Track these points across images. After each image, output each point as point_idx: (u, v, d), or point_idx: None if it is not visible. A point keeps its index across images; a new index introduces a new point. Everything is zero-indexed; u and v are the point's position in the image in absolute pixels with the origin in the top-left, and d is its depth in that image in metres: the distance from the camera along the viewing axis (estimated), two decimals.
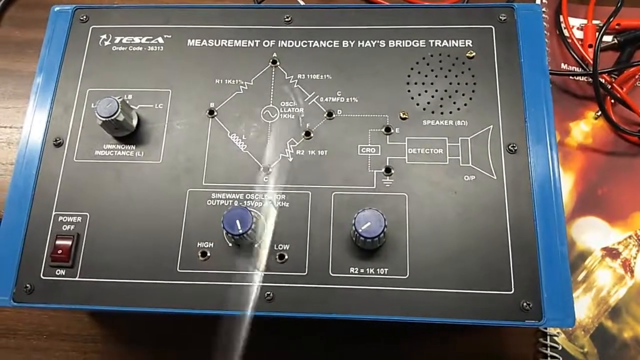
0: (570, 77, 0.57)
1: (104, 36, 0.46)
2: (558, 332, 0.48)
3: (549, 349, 0.48)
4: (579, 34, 0.59)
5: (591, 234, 0.52)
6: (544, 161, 0.40)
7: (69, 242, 0.40)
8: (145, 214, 0.40)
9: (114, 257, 0.40)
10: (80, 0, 0.52)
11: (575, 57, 0.57)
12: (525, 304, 0.37)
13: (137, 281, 0.39)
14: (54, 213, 0.41)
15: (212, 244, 0.40)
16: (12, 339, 0.50)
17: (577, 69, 0.57)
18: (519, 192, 0.40)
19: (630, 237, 0.52)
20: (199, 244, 0.40)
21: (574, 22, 0.59)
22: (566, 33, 0.58)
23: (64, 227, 0.40)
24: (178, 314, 0.39)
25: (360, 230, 0.36)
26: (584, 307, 0.49)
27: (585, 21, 0.59)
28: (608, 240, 0.52)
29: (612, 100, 0.55)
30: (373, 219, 0.37)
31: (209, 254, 0.39)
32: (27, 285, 0.39)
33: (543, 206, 0.39)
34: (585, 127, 0.56)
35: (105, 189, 0.41)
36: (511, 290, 0.38)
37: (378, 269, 0.39)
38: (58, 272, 0.40)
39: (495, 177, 0.40)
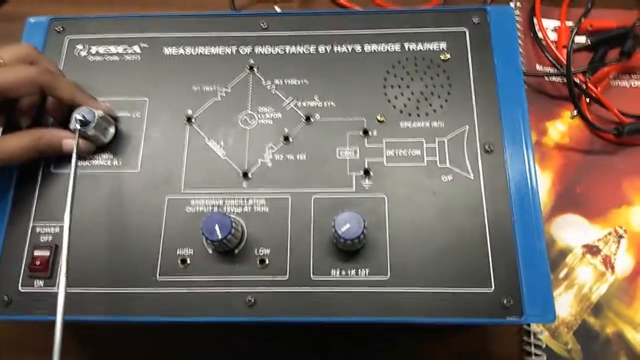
0: (546, 78, 0.58)
1: (80, 46, 0.46)
2: (542, 330, 0.49)
3: (533, 347, 0.48)
4: (553, 36, 0.60)
5: (571, 231, 0.52)
6: (519, 160, 0.41)
7: (47, 253, 0.39)
8: (123, 222, 0.40)
9: (92, 267, 0.39)
10: (57, 11, 0.52)
11: (550, 58, 0.58)
12: (505, 300, 0.37)
13: (116, 290, 0.39)
14: (31, 224, 0.41)
15: (192, 251, 0.39)
16: None
17: (552, 70, 0.58)
18: (496, 191, 0.40)
19: (609, 233, 0.52)
20: (178, 251, 0.39)
21: (548, 24, 0.60)
22: (540, 35, 0.59)
23: (42, 238, 0.40)
24: (159, 323, 0.39)
25: (340, 232, 0.36)
26: (566, 305, 0.50)
27: (558, 23, 0.60)
28: (588, 237, 0.52)
29: (587, 100, 0.56)
30: (352, 220, 0.37)
31: (188, 261, 0.39)
32: (5, 297, 0.39)
33: (520, 204, 0.40)
34: (561, 127, 0.56)
35: (83, 199, 0.41)
36: (491, 288, 0.38)
37: (359, 270, 0.39)
38: (36, 283, 0.39)
39: (472, 177, 0.41)
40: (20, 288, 0.39)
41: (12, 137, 0.40)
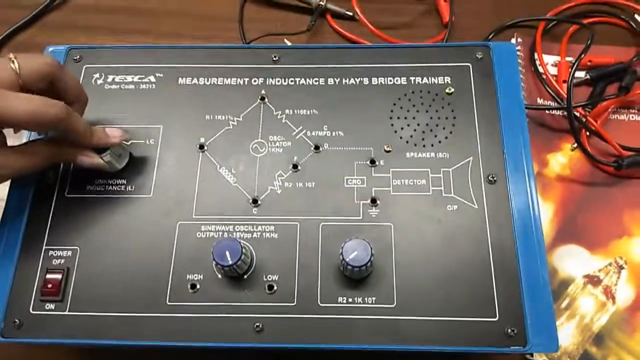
0: (547, 112, 0.60)
1: (97, 75, 0.47)
2: None
3: None
4: (553, 71, 0.62)
5: (572, 262, 0.53)
6: (522, 190, 0.42)
7: (59, 276, 0.40)
8: (135, 247, 0.41)
9: (103, 291, 0.40)
10: (71, 41, 0.54)
11: (550, 92, 0.59)
12: (509, 330, 0.38)
13: (126, 314, 0.39)
14: (44, 247, 0.41)
15: (201, 276, 0.40)
16: None
17: (552, 104, 0.60)
18: (499, 221, 0.41)
19: (610, 264, 0.53)
20: (188, 276, 0.40)
21: (548, 59, 0.62)
22: (541, 70, 0.61)
23: (54, 262, 0.41)
24: (168, 347, 0.39)
25: (347, 259, 0.37)
26: (568, 334, 0.50)
27: (558, 58, 0.62)
28: (589, 267, 0.53)
29: (587, 133, 0.58)
30: (360, 247, 0.38)
31: (198, 286, 0.40)
32: (16, 320, 0.39)
33: (523, 233, 0.41)
34: (562, 159, 0.58)
35: (96, 223, 0.42)
36: (496, 317, 0.38)
37: (366, 298, 0.39)
38: (48, 306, 0.40)
39: (476, 207, 0.42)
40: (31, 311, 0.40)
41: (30, 152, 0.39)
